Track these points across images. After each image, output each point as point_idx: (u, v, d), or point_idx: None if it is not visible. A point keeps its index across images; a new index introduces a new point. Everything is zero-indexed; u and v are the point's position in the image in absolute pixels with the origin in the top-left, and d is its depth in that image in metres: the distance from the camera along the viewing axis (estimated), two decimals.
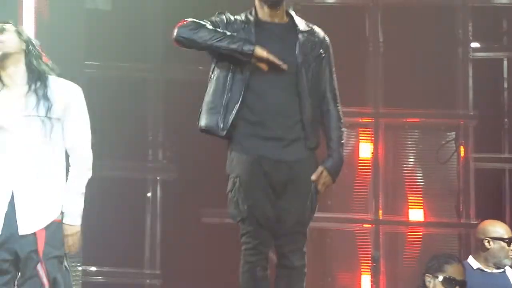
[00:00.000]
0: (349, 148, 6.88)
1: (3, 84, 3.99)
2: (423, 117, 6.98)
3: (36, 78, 4.04)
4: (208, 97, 4.09)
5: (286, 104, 4.01)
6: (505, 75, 7.14)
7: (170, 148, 7.38)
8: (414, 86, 6.80)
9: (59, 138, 4.03)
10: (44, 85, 4.02)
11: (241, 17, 4.27)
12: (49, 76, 4.05)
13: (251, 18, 4.20)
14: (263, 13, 4.17)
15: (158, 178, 7.33)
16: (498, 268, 5.69)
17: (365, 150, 6.90)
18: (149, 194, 7.25)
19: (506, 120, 6.78)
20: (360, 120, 6.96)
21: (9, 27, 4.11)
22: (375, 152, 6.83)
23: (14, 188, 3.93)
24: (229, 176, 4.09)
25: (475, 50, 6.96)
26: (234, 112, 3.99)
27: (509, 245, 5.63)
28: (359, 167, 6.96)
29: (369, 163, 6.93)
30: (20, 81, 3.99)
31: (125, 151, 6.89)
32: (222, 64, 4.12)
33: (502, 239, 5.50)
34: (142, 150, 7.07)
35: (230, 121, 3.98)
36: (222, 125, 4.03)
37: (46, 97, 3.99)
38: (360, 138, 6.99)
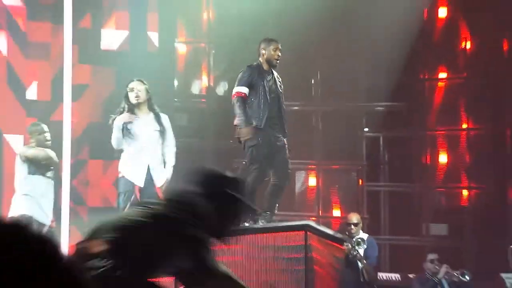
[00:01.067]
0: (302, 180, 12.66)
1: (137, 116, 8.38)
2: (341, 165, 12.75)
3: (153, 112, 8.53)
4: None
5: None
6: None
7: None
8: (335, 149, 12.62)
9: (162, 141, 8.54)
10: (158, 115, 8.51)
11: (255, 71, 8.61)
12: (156, 109, 8.59)
13: (260, 69, 8.68)
14: (266, 66, 8.73)
15: None
16: None
17: (311, 180, 12.77)
18: None
19: (381, 166, 12.64)
20: (309, 166, 12.76)
21: (141, 84, 8.53)
22: (317, 182, 12.66)
23: (149, 162, 8.40)
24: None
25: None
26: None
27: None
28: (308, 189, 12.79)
29: (314, 188, 12.70)
30: (146, 113, 8.45)
31: None
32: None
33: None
34: None
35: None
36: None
37: (159, 122, 8.48)
38: (309, 175, 12.82)
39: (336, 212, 12.59)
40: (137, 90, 8.69)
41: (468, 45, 12.74)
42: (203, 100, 12.61)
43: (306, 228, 9.02)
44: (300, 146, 11.59)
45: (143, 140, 8.72)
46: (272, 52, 9.11)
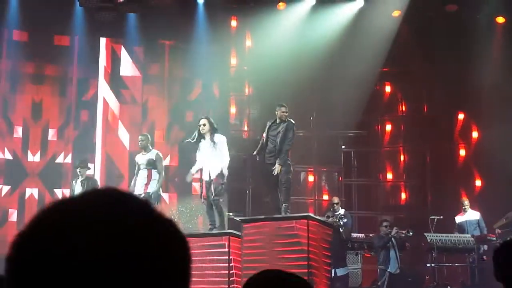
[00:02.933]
0: (304, 177, 17.42)
1: (203, 140, 11.63)
2: (327, 168, 17.56)
3: (213, 137, 11.66)
4: None
5: None
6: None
7: None
8: (325, 158, 17.35)
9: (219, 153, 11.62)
10: (213, 139, 11.62)
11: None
12: (215, 133, 11.70)
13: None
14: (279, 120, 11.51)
15: None
16: None
17: (310, 178, 17.38)
18: None
19: (353, 169, 17.50)
20: (308, 169, 17.24)
21: (206, 120, 11.66)
22: (313, 178, 17.29)
23: (208, 168, 11.68)
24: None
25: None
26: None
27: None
28: (308, 183, 17.34)
29: (312, 182, 17.41)
30: (208, 139, 11.63)
31: None
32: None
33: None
34: None
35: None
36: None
37: (215, 142, 11.64)
38: (308, 174, 17.38)
39: (325, 197, 17.52)
40: (203, 124, 11.72)
41: (403, 108, 18.16)
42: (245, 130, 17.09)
43: (307, 218, 10.91)
44: (302, 157, 16.59)
45: (205, 154, 11.62)
46: (281, 113, 11.83)
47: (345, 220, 13.24)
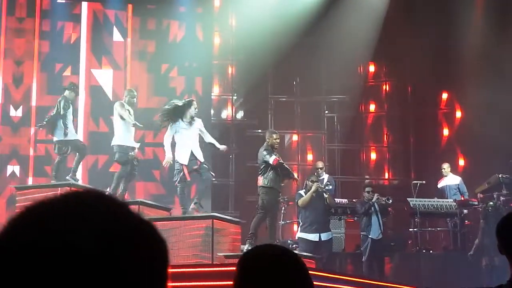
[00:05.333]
0: (290, 141, 18.11)
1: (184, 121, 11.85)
2: (312, 133, 17.96)
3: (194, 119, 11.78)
4: None
5: None
6: None
7: None
8: (309, 123, 17.67)
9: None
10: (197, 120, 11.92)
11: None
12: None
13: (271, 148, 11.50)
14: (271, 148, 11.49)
15: None
16: None
17: (294, 142, 17.97)
18: None
19: (335, 133, 18.17)
20: (293, 133, 18.11)
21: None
22: (297, 142, 17.88)
23: (192, 148, 11.75)
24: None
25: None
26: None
27: None
28: (292, 146, 17.71)
29: (296, 146, 17.74)
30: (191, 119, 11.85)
31: None
32: None
33: None
34: None
35: None
36: None
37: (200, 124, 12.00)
38: (292, 138, 17.99)
39: (309, 156, 17.90)
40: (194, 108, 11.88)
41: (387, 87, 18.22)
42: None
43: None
44: (288, 123, 17.08)
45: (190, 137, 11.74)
46: (273, 141, 11.82)
47: (330, 187, 13.35)
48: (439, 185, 15.25)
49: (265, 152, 11.50)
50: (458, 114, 17.59)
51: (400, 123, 17.87)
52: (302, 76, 17.53)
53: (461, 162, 16.98)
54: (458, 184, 15.17)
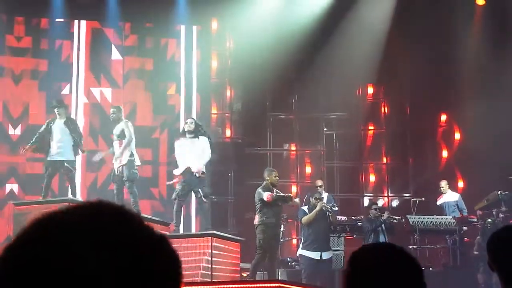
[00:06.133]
0: (289, 159, 17.85)
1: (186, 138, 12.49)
2: (310, 150, 18.06)
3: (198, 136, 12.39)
4: None
5: None
6: None
7: None
8: (307, 140, 17.57)
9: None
10: (199, 138, 12.44)
11: (266, 188, 11.62)
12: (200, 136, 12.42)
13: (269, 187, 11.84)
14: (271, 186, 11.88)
15: None
16: None
17: (293, 159, 17.98)
18: None
19: (335, 151, 17.90)
20: (291, 151, 17.90)
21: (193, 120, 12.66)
22: (296, 160, 17.90)
23: (190, 164, 12.38)
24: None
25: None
26: None
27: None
28: (290, 164, 17.69)
29: (294, 163, 17.90)
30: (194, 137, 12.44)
31: None
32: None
33: None
34: None
35: None
36: None
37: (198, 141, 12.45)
38: (291, 155, 17.68)
39: (308, 169, 17.84)
40: (189, 122, 12.45)
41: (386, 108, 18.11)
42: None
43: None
44: (286, 140, 17.12)
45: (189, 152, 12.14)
46: (274, 178, 12.09)
47: (336, 209, 13.49)
48: (438, 202, 15.24)
49: (261, 190, 11.77)
50: (457, 135, 17.64)
51: (399, 141, 17.77)
52: (301, 93, 17.55)
53: (460, 183, 16.95)
54: (456, 201, 15.16)
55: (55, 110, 12.84)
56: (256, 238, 11.87)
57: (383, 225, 13.40)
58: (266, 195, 11.70)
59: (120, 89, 16.42)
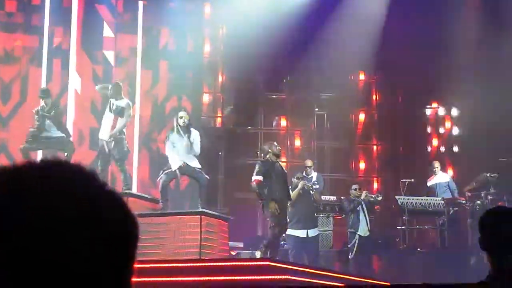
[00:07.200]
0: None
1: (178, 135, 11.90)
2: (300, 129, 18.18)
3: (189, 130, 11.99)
4: None
5: None
6: None
7: None
8: (298, 120, 17.69)
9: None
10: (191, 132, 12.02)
11: (267, 164, 11.04)
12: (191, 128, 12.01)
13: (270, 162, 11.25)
14: (274, 158, 11.33)
15: None
16: None
17: (283, 140, 17.86)
18: None
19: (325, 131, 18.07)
20: (281, 130, 18.11)
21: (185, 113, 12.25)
22: (286, 140, 17.87)
23: (183, 159, 11.96)
24: None
25: None
26: None
27: None
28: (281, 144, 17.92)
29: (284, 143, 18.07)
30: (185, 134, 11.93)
31: None
32: None
33: None
34: None
35: None
36: None
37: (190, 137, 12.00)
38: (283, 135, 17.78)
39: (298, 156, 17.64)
40: (184, 117, 12.03)
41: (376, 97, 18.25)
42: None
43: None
44: (277, 120, 17.21)
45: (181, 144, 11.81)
46: (277, 150, 11.68)
47: (317, 187, 13.31)
48: (429, 183, 15.28)
49: (257, 166, 11.51)
50: (447, 123, 17.82)
51: (389, 122, 17.85)
52: (293, 74, 17.55)
53: (450, 171, 17.01)
54: (448, 182, 15.19)
55: (43, 101, 12.89)
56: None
57: (363, 204, 13.46)
58: (254, 178, 11.52)
59: (112, 67, 16.34)
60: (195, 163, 11.91)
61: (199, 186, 12.09)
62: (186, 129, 11.92)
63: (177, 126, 11.91)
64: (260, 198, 11.32)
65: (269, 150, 11.61)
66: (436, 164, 15.33)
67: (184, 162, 11.77)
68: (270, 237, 11.47)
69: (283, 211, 11.46)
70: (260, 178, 11.23)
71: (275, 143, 11.86)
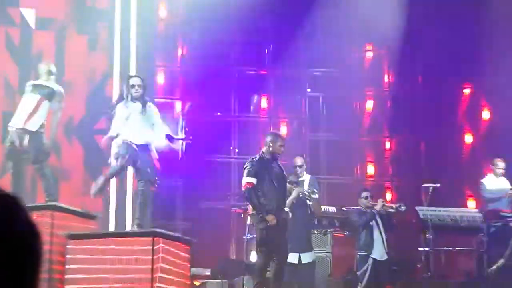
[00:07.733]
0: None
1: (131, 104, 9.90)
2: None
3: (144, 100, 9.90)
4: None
5: None
6: None
7: None
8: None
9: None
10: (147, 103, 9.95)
11: (258, 163, 9.64)
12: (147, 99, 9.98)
13: (263, 160, 9.78)
14: (269, 156, 9.78)
15: None
16: None
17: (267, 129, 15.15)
18: None
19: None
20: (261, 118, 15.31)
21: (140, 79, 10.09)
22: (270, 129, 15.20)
23: (131, 138, 9.63)
24: None
25: None
26: None
27: None
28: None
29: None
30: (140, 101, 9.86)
31: None
32: None
33: None
34: None
35: None
36: None
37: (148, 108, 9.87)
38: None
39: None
40: (137, 85, 10.30)
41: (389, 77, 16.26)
42: None
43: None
44: (257, 104, 15.45)
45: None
46: (278, 147, 10.24)
47: (316, 196, 11.76)
48: (491, 187, 13.06)
49: (249, 165, 10.12)
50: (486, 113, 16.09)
51: (407, 109, 16.01)
52: (277, 43, 15.62)
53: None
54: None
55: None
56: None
57: (377, 218, 12.03)
58: (244, 181, 10.08)
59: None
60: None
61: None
62: (142, 101, 10.30)
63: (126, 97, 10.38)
64: (258, 212, 9.97)
65: (270, 144, 10.17)
66: (500, 163, 12.99)
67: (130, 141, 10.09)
68: (258, 266, 10.13)
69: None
70: (253, 180, 9.94)
71: (280, 139, 10.39)
